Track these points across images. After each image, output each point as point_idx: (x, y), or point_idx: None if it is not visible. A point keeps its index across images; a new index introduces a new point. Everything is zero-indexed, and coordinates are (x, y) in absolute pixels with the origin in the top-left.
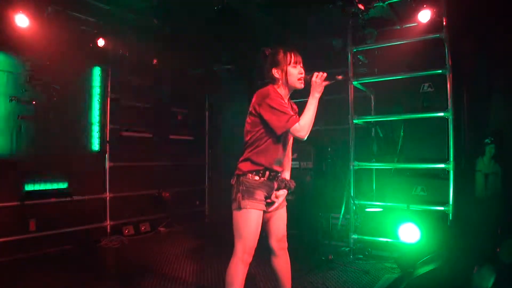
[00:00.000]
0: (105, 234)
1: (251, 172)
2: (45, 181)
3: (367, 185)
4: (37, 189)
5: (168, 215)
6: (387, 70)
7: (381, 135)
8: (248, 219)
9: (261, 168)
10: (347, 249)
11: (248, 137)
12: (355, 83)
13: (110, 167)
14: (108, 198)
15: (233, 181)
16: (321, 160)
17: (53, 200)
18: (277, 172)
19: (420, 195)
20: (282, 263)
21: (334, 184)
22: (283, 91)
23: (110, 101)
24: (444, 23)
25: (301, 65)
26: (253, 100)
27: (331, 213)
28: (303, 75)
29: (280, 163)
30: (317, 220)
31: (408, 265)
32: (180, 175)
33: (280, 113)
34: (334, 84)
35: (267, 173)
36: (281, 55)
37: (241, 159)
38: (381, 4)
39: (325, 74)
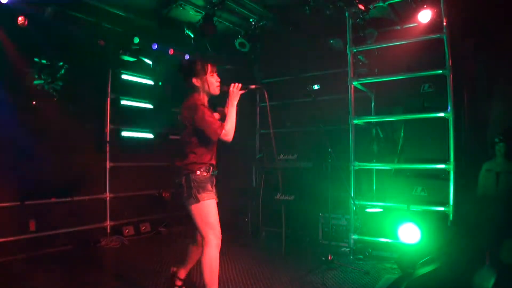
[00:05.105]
0: (105, 234)
1: (199, 170)
2: (45, 181)
3: (367, 185)
4: (37, 189)
5: (168, 215)
6: (388, 71)
7: (381, 135)
8: (210, 208)
9: (206, 165)
10: (347, 249)
11: (189, 145)
12: (355, 83)
13: (110, 167)
14: (108, 198)
15: (183, 181)
16: (321, 160)
17: (53, 200)
18: (215, 168)
19: (420, 195)
20: (199, 254)
21: (334, 184)
22: (205, 99)
23: (110, 101)
24: (444, 23)
25: (217, 74)
26: (184, 114)
27: (332, 214)
28: (219, 84)
29: (215, 160)
30: (318, 220)
31: (409, 266)
32: None
33: (211, 123)
34: (334, 85)
35: (211, 168)
36: (199, 65)
37: (186, 162)
38: (381, 4)
39: (240, 85)
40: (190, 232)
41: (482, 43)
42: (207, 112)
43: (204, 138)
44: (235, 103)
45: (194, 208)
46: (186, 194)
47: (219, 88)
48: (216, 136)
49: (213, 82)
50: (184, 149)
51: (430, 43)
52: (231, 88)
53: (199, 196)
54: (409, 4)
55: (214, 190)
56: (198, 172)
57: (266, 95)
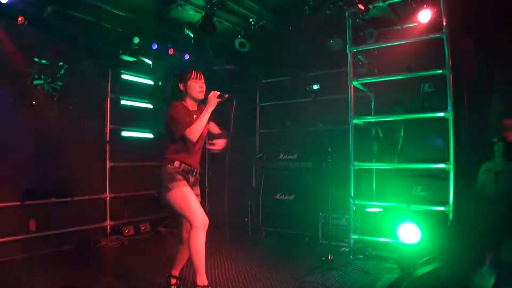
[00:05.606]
0: (105, 234)
1: (170, 164)
2: (45, 181)
3: (367, 185)
4: (37, 189)
5: (168, 215)
6: (388, 71)
7: (381, 135)
8: (184, 194)
9: (177, 162)
10: (347, 249)
11: (166, 141)
12: (355, 83)
13: (110, 167)
14: (108, 198)
15: (156, 175)
16: (321, 160)
17: (53, 200)
18: (191, 166)
19: (420, 195)
20: (187, 253)
21: (334, 184)
22: (190, 102)
23: (110, 101)
24: (444, 23)
25: (202, 81)
26: (166, 113)
27: (332, 214)
28: (203, 89)
29: (193, 159)
30: (318, 220)
31: (409, 266)
32: None
33: (177, 122)
34: (334, 85)
35: (182, 165)
36: (184, 72)
37: (163, 156)
38: (381, 4)
39: (218, 93)
40: (177, 233)
41: (482, 43)
42: (178, 112)
43: (173, 135)
44: (211, 109)
45: (169, 198)
46: (160, 185)
47: (202, 93)
48: (178, 134)
49: (195, 87)
50: (164, 144)
51: (430, 43)
52: (209, 95)
53: (169, 185)
54: (409, 4)
55: (186, 183)
56: (169, 166)
57: (234, 103)
